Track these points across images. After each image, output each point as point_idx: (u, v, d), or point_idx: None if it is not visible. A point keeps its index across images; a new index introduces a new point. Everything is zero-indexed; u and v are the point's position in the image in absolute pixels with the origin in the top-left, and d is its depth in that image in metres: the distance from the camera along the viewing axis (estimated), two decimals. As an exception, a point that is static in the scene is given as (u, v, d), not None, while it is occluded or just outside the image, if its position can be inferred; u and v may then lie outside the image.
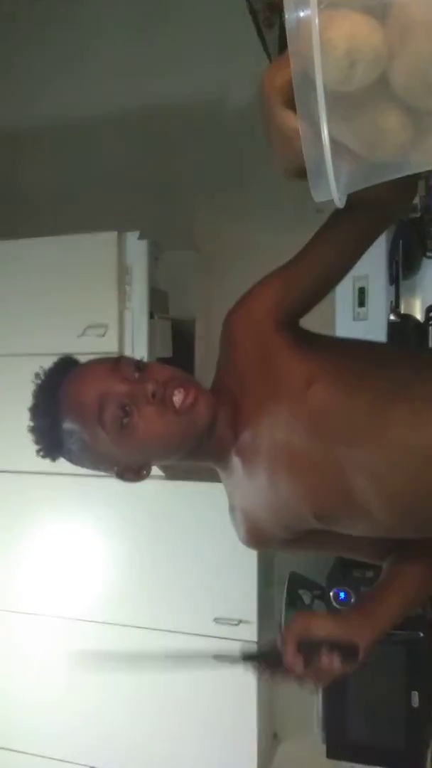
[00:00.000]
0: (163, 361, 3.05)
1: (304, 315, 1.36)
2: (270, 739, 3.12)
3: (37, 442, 1.31)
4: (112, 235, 2.92)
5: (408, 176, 1.35)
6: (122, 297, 2.92)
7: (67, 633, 3.05)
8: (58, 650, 3.06)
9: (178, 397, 1.22)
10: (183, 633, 2.84)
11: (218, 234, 3.28)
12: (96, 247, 2.94)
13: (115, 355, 1.31)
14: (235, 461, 1.33)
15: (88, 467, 1.34)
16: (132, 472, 1.33)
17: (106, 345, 2.89)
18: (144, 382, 1.23)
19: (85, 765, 3.04)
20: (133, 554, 2.92)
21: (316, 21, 0.75)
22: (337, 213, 1.30)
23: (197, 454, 1.33)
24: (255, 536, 1.39)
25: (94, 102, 3.55)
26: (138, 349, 2.90)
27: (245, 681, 2.78)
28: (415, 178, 1.39)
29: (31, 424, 1.32)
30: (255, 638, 2.78)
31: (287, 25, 0.78)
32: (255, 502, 1.33)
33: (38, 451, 1.31)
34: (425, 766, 2.52)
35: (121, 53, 3.49)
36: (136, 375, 1.25)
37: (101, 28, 3.53)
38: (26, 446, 3.23)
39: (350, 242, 1.34)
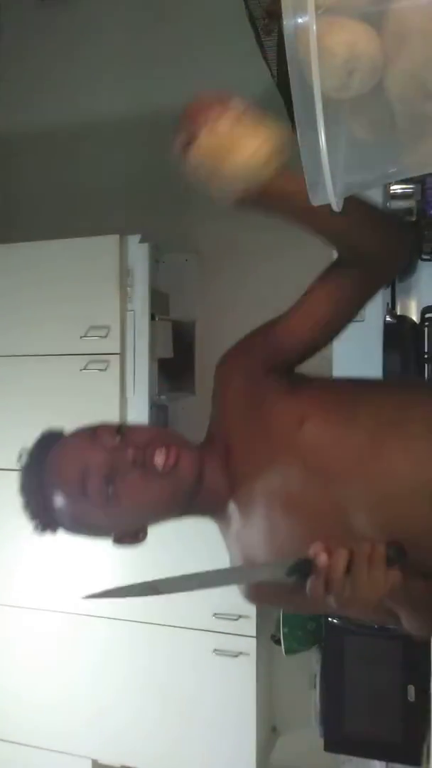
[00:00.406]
0: (163, 361, 3.08)
1: (297, 365, 1.36)
2: (269, 732, 3.15)
3: (31, 520, 1.30)
4: (114, 239, 2.95)
5: (401, 235, 1.38)
6: (124, 299, 2.94)
7: (68, 628, 3.07)
8: (60, 645, 3.09)
9: (159, 459, 1.20)
10: (183, 627, 2.87)
11: (218, 237, 3.30)
12: (98, 251, 2.97)
13: (95, 424, 1.31)
14: (232, 510, 1.30)
15: (86, 537, 1.33)
16: (129, 537, 1.33)
17: (108, 346, 2.93)
18: (124, 448, 1.21)
19: (86, 757, 3.07)
20: (134, 550, 2.93)
21: (314, 28, 0.75)
22: (330, 270, 1.33)
23: (194, 509, 1.31)
24: (256, 587, 1.34)
25: (96, 107, 3.56)
26: (139, 350, 2.93)
27: (244, 675, 2.83)
28: (407, 238, 1.39)
29: (23, 502, 1.30)
30: (254, 633, 2.82)
31: (285, 32, 0.78)
32: (254, 549, 1.30)
33: (34, 528, 1.30)
34: (421, 760, 2.53)
35: (122, 59, 3.51)
36: (117, 440, 1.23)
37: (102, 34, 3.54)
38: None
39: (341, 302, 1.34)
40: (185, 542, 2.74)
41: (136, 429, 1.30)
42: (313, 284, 1.36)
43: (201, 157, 1.08)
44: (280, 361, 1.33)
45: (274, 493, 1.25)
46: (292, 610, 1.52)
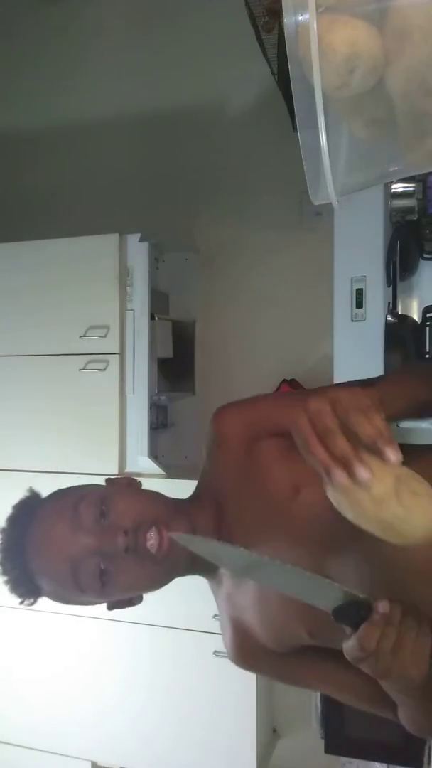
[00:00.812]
0: (163, 361, 3.07)
1: None
2: (269, 734, 3.14)
3: (17, 597, 1.22)
4: (113, 238, 2.94)
5: None
6: (123, 298, 2.93)
7: (66, 629, 3.05)
8: (59, 647, 3.08)
9: (152, 543, 1.14)
10: (183, 629, 2.86)
11: (218, 236, 3.30)
12: (98, 249, 2.96)
13: (74, 495, 1.21)
14: (223, 572, 1.26)
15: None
16: (123, 603, 1.29)
17: (107, 346, 2.92)
18: (113, 534, 1.14)
19: (86, 760, 3.07)
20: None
21: (315, 26, 0.75)
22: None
23: (184, 571, 1.26)
24: (244, 647, 1.29)
25: (96, 106, 3.56)
26: (139, 350, 2.92)
27: (245, 676, 2.81)
28: None
29: (6, 583, 1.22)
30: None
31: (286, 29, 0.78)
32: (245, 615, 1.25)
33: (20, 603, 1.23)
34: (423, 762, 2.52)
35: (122, 57, 3.50)
36: (102, 522, 1.15)
37: (103, 33, 3.54)
38: (28, 445, 3.23)
39: None
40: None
41: (121, 505, 1.19)
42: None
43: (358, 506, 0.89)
44: (283, 431, 1.21)
45: None
46: (279, 680, 1.42)
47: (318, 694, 2.75)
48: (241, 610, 1.26)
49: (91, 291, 2.96)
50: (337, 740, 2.62)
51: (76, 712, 3.05)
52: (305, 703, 2.99)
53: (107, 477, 1.34)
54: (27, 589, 1.21)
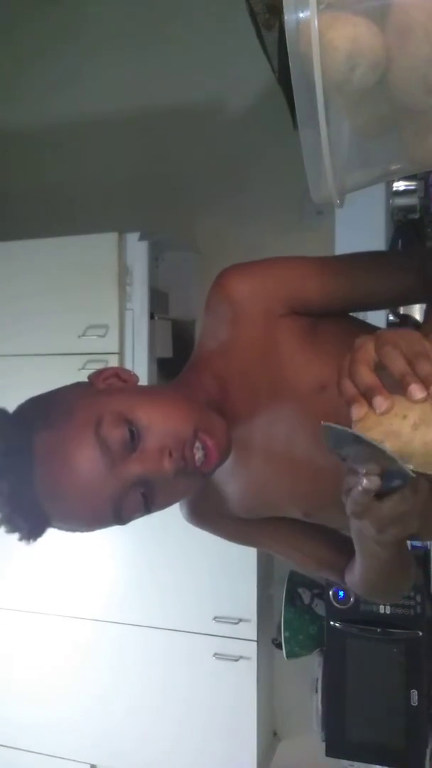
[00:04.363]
0: (163, 361, 3.06)
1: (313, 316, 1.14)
2: (270, 737, 3.14)
3: (13, 531, 0.98)
4: (112, 236, 2.93)
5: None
6: (123, 297, 2.92)
7: (67, 631, 3.06)
8: (59, 648, 3.08)
9: (199, 456, 0.98)
10: (183, 631, 2.86)
11: (219, 235, 3.29)
12: (97, 248, 2.95)
13: (75, 409, 1.00)
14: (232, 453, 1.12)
15: None
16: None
17: (106, 345, 2.91)
18: (156, 458, 0.95)
19: (85, 762, 3.06)
20: (134, 553, 2.92)
21: (315, 22, 0.75)
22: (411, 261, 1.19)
23: None
24: (197, 509, 1.23)
25: (95, 104, 3.56)
26: (138, 350, 2.91)
27: (245, 679, 2.81)
28: None
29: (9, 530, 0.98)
30: (255, 637, 2.80)
31: (287, 27, 0.77)
32: (227, 485, 1.18)
33: (9, 533, 0.99)
34: (424, 765, 2.51)
35: (120, 54, 3.49)
36: (131, 444, 0.95)
37: (103, 30, 3.53)
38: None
39: (398, 300, 1.21)
40: (178, 557, 2.73)
41: (144, 417, 0.97)
42: (382, 258, 1.21)
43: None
44: (301, 307, 1.12)
45: (275, 453, 1.11)
46: (228, 539, 1.32)
47: (319, 697, 2.74)
48: (225, 480, 1.17)
49: (90, 290, 2.95)
50: (338, 743, 2.61)
51: (76, 715, 3.05)
52: (306, 706, 2.98)
53: (89, 374, 1.12)
54: (37, 533, 0.99)
